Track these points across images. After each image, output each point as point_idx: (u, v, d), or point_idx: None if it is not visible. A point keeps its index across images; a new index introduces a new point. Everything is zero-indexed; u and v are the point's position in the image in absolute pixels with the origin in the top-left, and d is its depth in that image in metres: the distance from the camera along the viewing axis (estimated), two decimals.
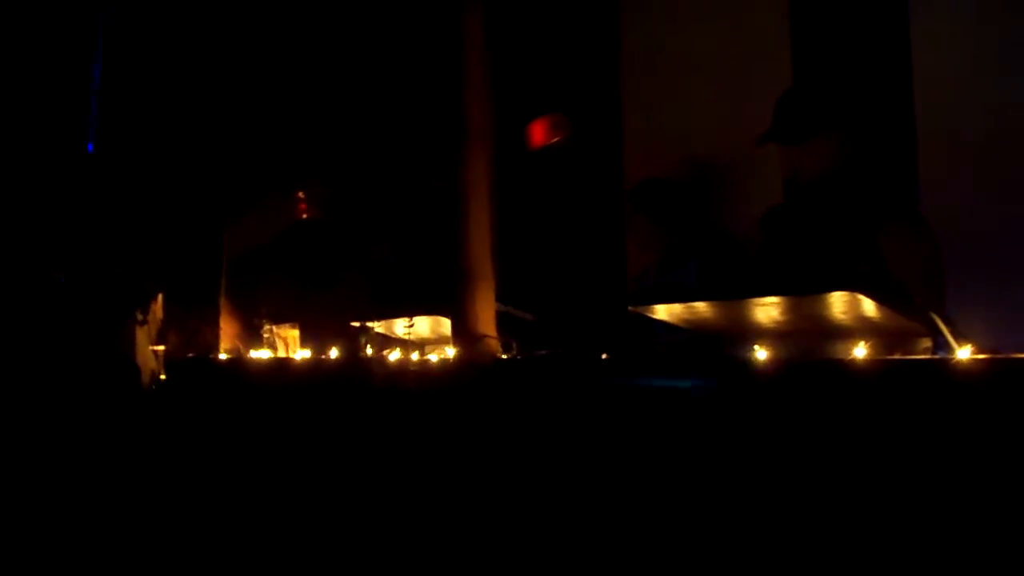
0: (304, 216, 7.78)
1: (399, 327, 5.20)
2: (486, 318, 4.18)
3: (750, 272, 4.68)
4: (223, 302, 7.67)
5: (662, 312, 3.82)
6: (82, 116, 9.00)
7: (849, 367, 2.78)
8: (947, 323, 2.82)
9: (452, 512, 3.99)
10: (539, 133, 7.42)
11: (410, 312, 5.05)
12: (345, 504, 4.71)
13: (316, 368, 5.45)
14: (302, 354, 5.92)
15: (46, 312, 8.92)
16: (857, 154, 4.61)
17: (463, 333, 4.17)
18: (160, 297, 8.65)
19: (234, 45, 7.86)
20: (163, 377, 7.75)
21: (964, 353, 2.54)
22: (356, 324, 5.38)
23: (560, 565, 3.44)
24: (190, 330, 7.90)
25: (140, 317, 8.39)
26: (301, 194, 7.98)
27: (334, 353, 5.43)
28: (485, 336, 4.12)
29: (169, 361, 7.64)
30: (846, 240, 4.32)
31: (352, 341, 5.36)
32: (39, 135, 9.18)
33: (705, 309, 3.70)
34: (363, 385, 4.83)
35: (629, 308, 3.89)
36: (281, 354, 6.19)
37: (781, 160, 4.74)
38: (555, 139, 7.37)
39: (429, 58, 6.16)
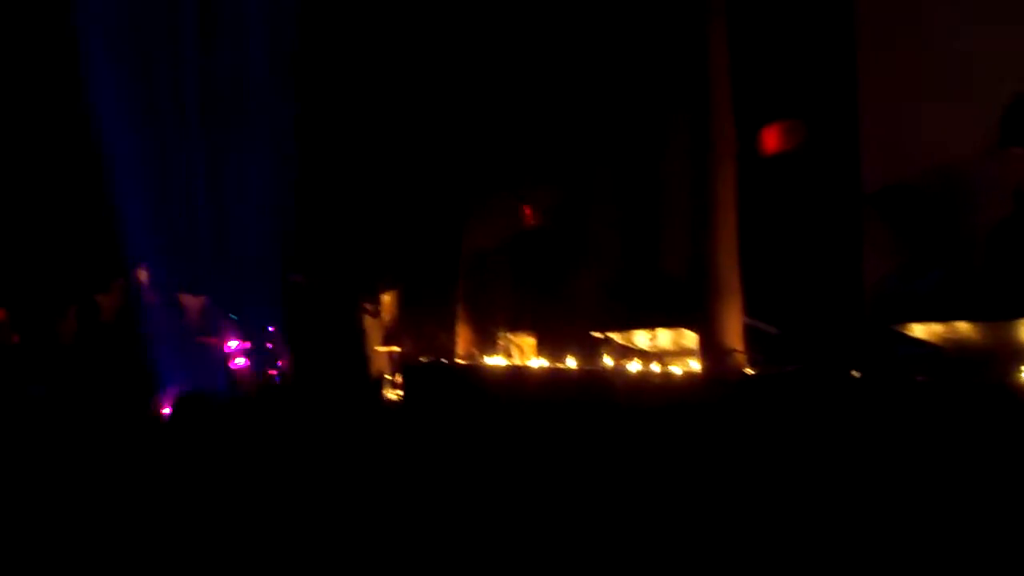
0: (533, 222, 7.84)
1: (640, 338, 5.18)
2: (734, 331, 4.13)
3: (1009, 289, 4.47)
4: (459, 307, 7.79)
5: (919, 331, 3.70)
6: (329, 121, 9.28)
7: None
8: None
9: (680, 526, 3.96)
10: (773, 139, 7.28)
11: (654, 323, 5.02)
12: (579, 515, 4.73)
13: (553, 377, 5.49)
14: (538, 362, 5.98)
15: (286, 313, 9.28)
16: None
17: (711, 346, 4.13)
18: (391, 300, 8.90)
19: (477, 53, 7.96)
20: (396, 378, 7.96)
21: None
22: (597, 335, 5.39)
23: None
24: (425, 334, 8.07)
25: (370, 319, 8.66)
26: (527, 201, 8.04)
27: (571, 362, 5.46)
28: (733, 350, 4.06)
29: (404, 364, 7.82)
30: None
31: (591, 351, 5.38)
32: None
33: (969, 329, 3.56)
34: (603, 396, 4.83)
35: (888, 325, 3.76)
36: (516, 362, 6.27)
37: (1013, 166, 4.51)
38: (790, 145, 7.21)
39: (669, 71, 6.13)
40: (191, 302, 10.29)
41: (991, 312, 3.46)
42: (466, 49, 8.01)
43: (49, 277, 10.49)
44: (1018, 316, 3.25)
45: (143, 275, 10.15)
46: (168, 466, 6.70)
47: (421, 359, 7.63)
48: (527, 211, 8.14)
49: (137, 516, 5.66)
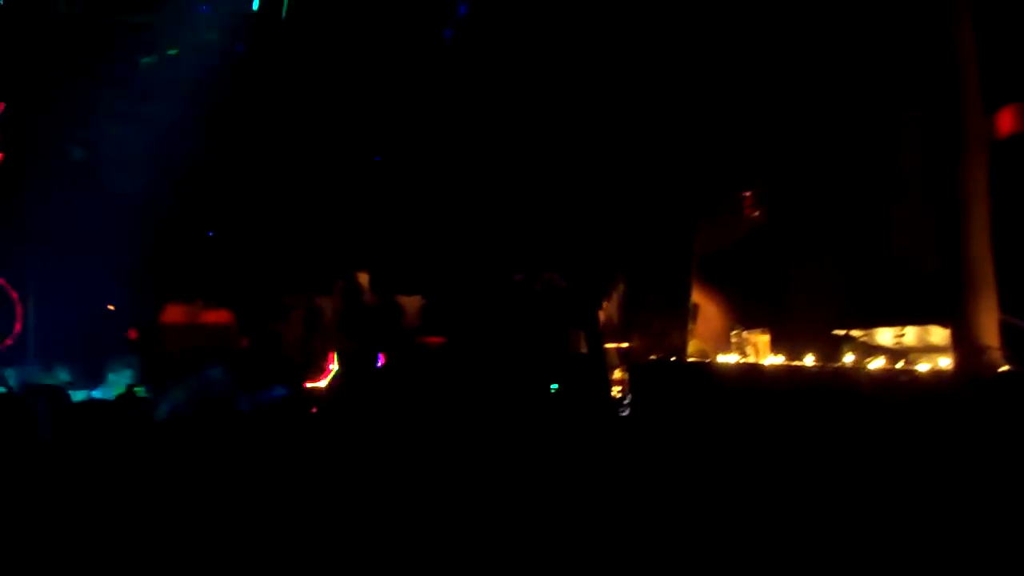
0: (766, 217, 7.70)
1: (884, 335, 5.03)
2: (989, 328, 3.98)
3: None
4: (690, 305, 7.72)
5: None
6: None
7: None
8: None
9: (948, 531, 3.83)
10: (1008, 121, 6.94)
11: (900, 320, 4.88)
12: (821, 518, 4.62)
13: (791, 375, 5.38)
14: (772, 360, 5.88)
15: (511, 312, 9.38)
16: None
17: (964, 343, 3.99)
18: (616, 297, 8.90)
19: (708, 48, 7.87)
20: (621, 375, 7.95)
21: None
22: (838, 332, 5.27)
23: None
24: (655, 331, 8.03)
25: (600, 315, 8.67)
26: (760, 196, 7.90)
27: (809, 360, 5.34)
28: (988, 347, 3.91)
29: (632, 361, 7.80)
30: None
31: (830, 348, 5.26)
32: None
33: None
34: (846, 395, 4.71)
35: None
36: (751, 360, 6.18)
37: None
38: None
39: (904, 59, 5.93)
40: (409, 302, 10.53)
41: None
42: (697, 44, 7.94)
43: (274, 281, 10.87)
44: None
45: (363, 278, 10.45)
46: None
47: (651, 356, 7.59)
48: (759, 206, 8.00)
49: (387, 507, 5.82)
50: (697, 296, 7.94)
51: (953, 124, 3.97)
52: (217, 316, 10.20)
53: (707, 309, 7.82)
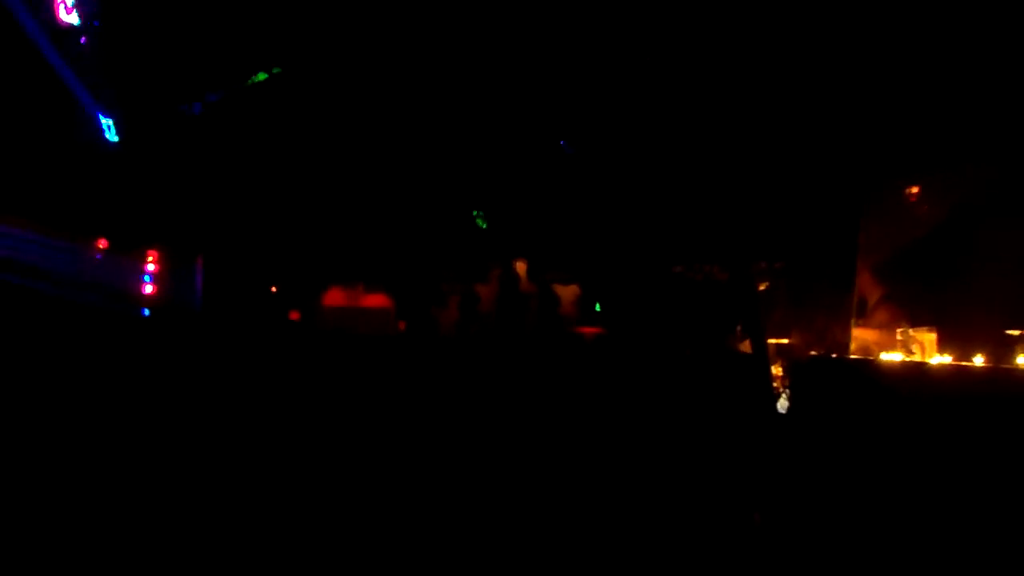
0: (927, 212, 7.45)
1: None
2: None
3: None
4: (858, 302, 7.53)
5: None
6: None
7: None
8: None
9: None
10: None
11: None
12: (996, 524, 4.45)
13: (959, 375, 5.19)
14: (939, 360, 5.67)
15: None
16: None
17: None
18: (778, 291, 8.71)
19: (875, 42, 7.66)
20: (778, 371, 7.79)
21: None
22: (1013, 332, 5.05)
23: None
24: (817, 327, 7.86)
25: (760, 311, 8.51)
26: (924, 191, 7.67)
27: (979, 360, 5.15)
28: None
29: (792, 357, 7.65)
30: None
31: (1002, 349, 5.05)
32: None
33: None
34: (1016, 397, 4.53)
35: None
36: (917, 359, 5.97)
37: None
38: None
39: None
40: (565, 291, 10.52)
41: None
42: (866, 35, 7.72)
43: (433, 267, 10.99)
44: None
45: (521, 266, 10.48)
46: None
47: (812, 353, 7.43)
48: (931, 202, 7.76)
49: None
50: (866, 292, 7.77)
51: None
52: (376, 300, 10.38)
53: (874, 306, 7.64)
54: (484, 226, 11.28)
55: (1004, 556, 4.24)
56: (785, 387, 7.50)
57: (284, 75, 10.58)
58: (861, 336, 7.31)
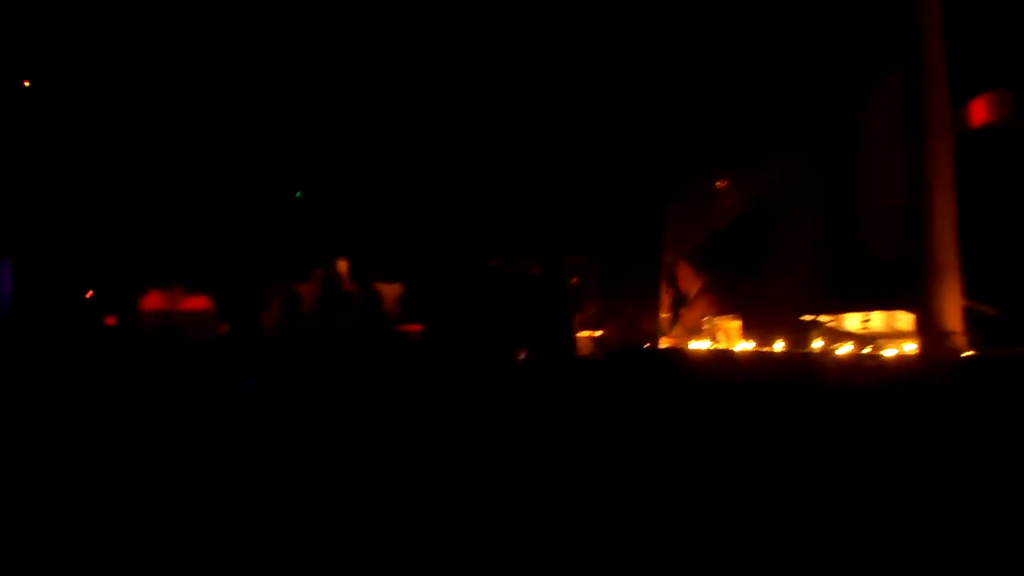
0: (731, 205, 7.78)
1: (851, 321, 5.11)
2: (952, 313, 4.04)
3: None
4: (662, 292, 7.80)
5: None
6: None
7: None
8: None
9: (902, 513, 3.90)
10: (980, 111, 7.03)
11: (866, 306, 4.95)
12: (787, 501, 4.69)
13: (760, 361, 5.45)
14: (743, 346, 5.95)
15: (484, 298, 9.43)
16: None
17: (928, 329, 4.06)
18: (594, 285, 8.96)
19: (676, 33, 7.91)
20: (597, 360, 8.01)
21: None
22: (807, 318, 5.34)
23: None
24: (627, 318, 8.10)
25: (575, 303, 8.74)
26: (731, 183, 7.99)
27: (779, 346, 5.42)
28: (951, 332, 3.98)
29: (606, 349, 7.86)
30: None
31: (799, 334, 5.34)
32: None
33: None
34: (813, 380, 4.78)
35: None
36: (721, 345, 6.25)
37: None
38: (997, 118, 6.96)
39: (875, 47, 6.00)
40: (388, 290, 10.56)
41: None
42: (665, 30, 7.99)
43: (253, 268, 10.88)
44: None
45: (342, 264, 10.48)
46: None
47: (623, 344, 7.67)
48: (725, 194, 8.09)
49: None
50: (687, 284, 8.03)
51: (919, 112, 4.03)
52: (196, 302, 10.24)
53: (695, 297, 7.92)
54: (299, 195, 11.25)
55: (804, 532, 4.49)
56: (602, 376, 7.71)
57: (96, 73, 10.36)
58: (683, 325, 7.59)
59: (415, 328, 10.23)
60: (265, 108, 10.81)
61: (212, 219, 11.09)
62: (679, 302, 7.94)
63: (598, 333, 8.28)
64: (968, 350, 3.96)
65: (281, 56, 10.48)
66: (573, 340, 7.83)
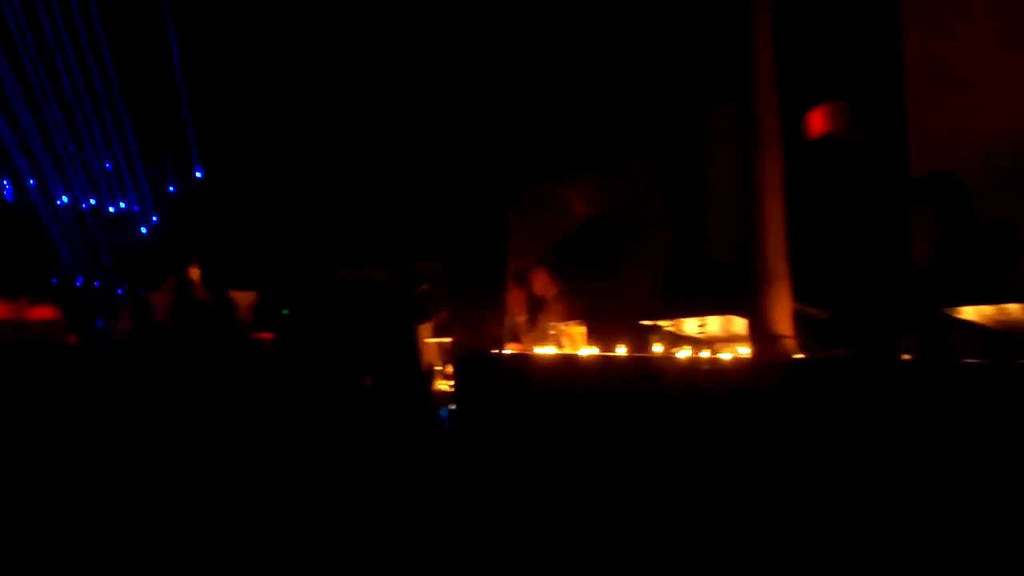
0: (582, 211, 7.89)
1: (690, 326, 5.22)
2: (783, 317, 4.16)
3: None
4: (508, 298, 7.85)
5: (970, 313, 3.71)
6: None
7: None
8: None
9: (740, 514, 4.00)
10: (818, 122, 7.26)
11: (703, 312, 5.06)
12: (625, 502, 4.78)
13: (603, 365, 5.53)
14: (588, 351, 6.02)
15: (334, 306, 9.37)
16: None
17: (760, 332, 4.16)
18: (441, 295, 8.99)
19: (511, 49, 8.01)
20: (446, 369, 8.04)
21: None
22: (646, 323, 5.44)
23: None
24: (475, 324, 8.13)
25: (423, 312, 8.74)
26: (575, 191, 8.09)
27: (621, 351, 5.50)
28: (782, 336, 4.09)
29: (454, 353, 7.89)
30: None
31: (641, 339, 5.43)
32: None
33: (1019, 311, 3.58)
34: (652, 383, 4.88)
35: (939, 309, 3.79)
36: (567, 351, 6.32)
37: None
38: (834, 128, 7.19)
39: (714, 55, 6.15)
40: (242, 297, 10.43)
41: None
42: (502, 36, 8.06)
43: (102, 276, 10.68)
44: None
45: (195, 272, 10.31)
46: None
47: (471, 349, 7.70)
48: (575, 200, 8.19)
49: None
50: (543, 290, 8.09)
51: (750, 122, 4.13)
52: (43, 312, 9.97)
53: (551, 303, 8.00)
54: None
55: (644, 531, 4.57)
56: (449, 382, 7.73)
57: None
58: (536, 331, 7.65)
59: (268, 336, 10.14)
60: (109, 111, 10.58)
61: (57, 229, 10.84)
62: (534, 307, 8.01)
63: (447, 340, 8.30)
64: (798, 353, 4.08)
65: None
66: (418, 349, 7.84)
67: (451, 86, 8.57)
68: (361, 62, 9.34)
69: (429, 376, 8.35)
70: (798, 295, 4.55)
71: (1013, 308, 3.52)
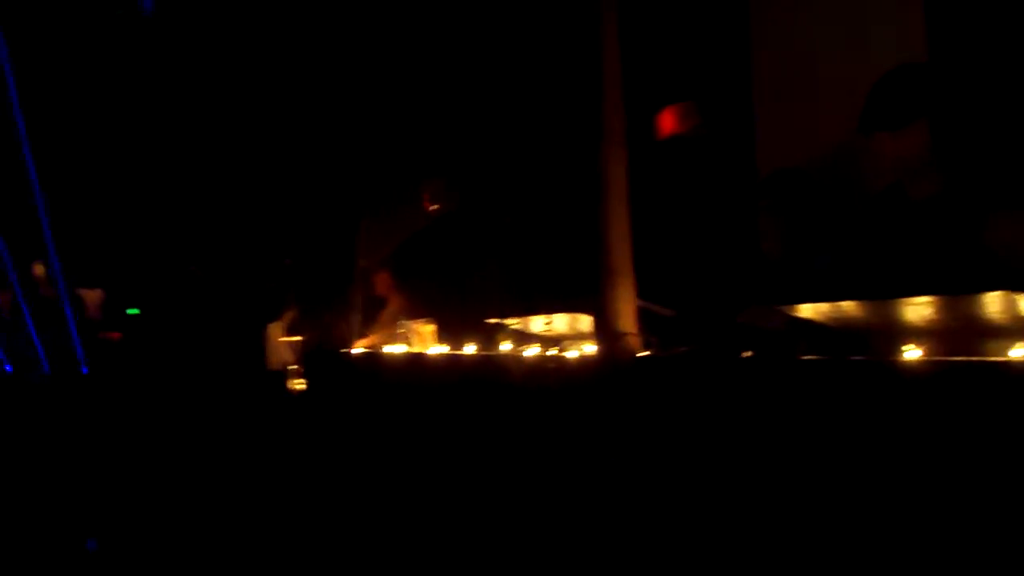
0: (433, 210, 7.86)
1: (537, 324, 5.21)
2: (627, 315, 4.15)
3: (895, 269, 4.55)
4: (358, 296, 7.78)
5: (807, 311, 3.76)
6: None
7: (1007, 368, 2.69)
8: None
9: (585, 510, 4.01)
10: (668, 123, 7.34)
11: (549, 309, 5.06)
12: (474, 500, 4.77)
13: (451, 363, 5.51)
14: (437, 349, 5.98)
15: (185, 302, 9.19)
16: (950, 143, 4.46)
17: (604, 330, 4.16)
18: (291, 293, 8.87)
19: (363, 51, 7.96)
20: (296, 366, 7.92)
21: None
22: (493, 321, 5.42)
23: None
24: (326, 323, 8.05)
25: (273, 311, 8.62)
26: (425, 191, 8.07)
27: (470, 349, 5.47)
28: (626, 333, 4.09)
29: (304, 351, 7.79)
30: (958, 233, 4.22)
31: (488, 337, 5.41)
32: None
33: (853, 308, 3.63)
34: (499, 381, 4.87)
35: (774, 306, 3.83)
36: (416, 349, 6.27)
37: (879, 149, 4.59)
38: (684, 128, 7.28)
39: (564, 55, 6.16)
40: (90, 295, 10.18)
41: (873, 292, 3.55)
42: (350, 37, 8.00)
43: None
44: (897, 296, 3.33)
45: (39, 269, 10.01)
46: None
47: (321, 348, 7.62)
48: (425, 200, 8.16)
49: None
50: (384, 289, 8.06)
51: (595, 122, 4.12)
52: None
53: (392, 301, 7.95)
54: None
55: (493, 523, 4.55)
56: (301, 380, 7.63)
57: None
58: (382, 329, 7.59)
59: (115, 335, 9.92)
60: None
61: None
62: (378, 305, 7.96)
63: (296, 338, 8.19)
64: (642, 350, 4.09)
65: None
66: (264, 347, 7.72)
67: (302, 83, 8.47)
68: (211, 55, 9.16)
69: (282, 375, 8.23)
70: (647, 293, 4.57)
71: (847, 306, 3.57)
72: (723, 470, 3.40)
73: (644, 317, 4.36)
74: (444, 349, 5.78)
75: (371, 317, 7.91)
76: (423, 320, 6.34)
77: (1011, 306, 3.15)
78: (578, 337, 4.98)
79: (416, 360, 5.86)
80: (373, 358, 6.53)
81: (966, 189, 4.35)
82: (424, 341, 6.20)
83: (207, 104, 9.35)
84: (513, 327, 5.38)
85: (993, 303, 3.16)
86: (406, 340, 6.39)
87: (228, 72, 9.21)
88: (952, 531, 2.64)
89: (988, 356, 3.02)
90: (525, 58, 7.63)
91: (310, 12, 8.34)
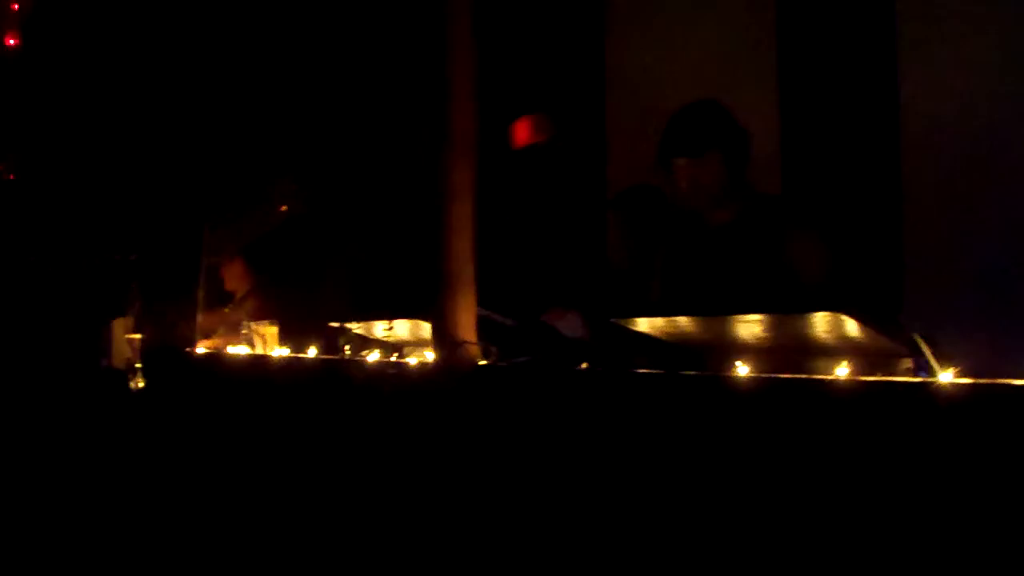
0: (282, 211, 7.80)
1: (378, 329, 5.20)
2: (466, 323, 4.17)
3: (725, 287, 4.65)
4: (201, 296, 7.66)
5: (643, 324, 3.82)
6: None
7: (828, 386, 2.77)
8: (930, 344, 2.80)
9: (421, 514, 4.00)
10: (522, 133, 7.39)
11: (390, 315, 5.04)
12: (313, 502, 4.73)
13: (293, 366, 5.46)
14: (279, 351, 5.91)
15: (22, 296, 8.92)
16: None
17: (443, 338, 4.16)
18: (135, 289, 8.67)
19: (213, 48, 7.86)
20: (138, 365, 7.75)
21: (946, 376, 2.52)
22: (335, 325, 5.39)
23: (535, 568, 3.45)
24: (167, 322, 7.89)
25: (117, 307, 8.40)
26: (274, 193, 8.02)
27: (312, 352, 5.43)
28: (465, 342, 4.11)
29: (145, 350, 7.63)
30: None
31: (331, 341, 5.37)
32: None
33: (687, 324, 3.71)
34: (340, 385, 4.84)
35: (611, 320, 3.89)
36: (259, 351, 6.19)
37: (680, 175, 4.71)
38: (538, 139, 7.34)
39: (413, 61, 6.16)
40: None
41: (707, 308, 3.63)
42: (203, 36, 7.89)
43: None
44: (730, 312, 3.41)
45: None
46: None
47: (163, 346, 7.47)
48: (277, 198, 8.09)
49: None
50: (235, 286, 7.96)
51: (442, 130, 4.13)
52: None
53: (241, 299, 7.86)
54: None
55: (325, 526, 4.51)
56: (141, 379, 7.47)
57: None
58: (226, 328, 7.48)
59: None
60: None
61: None
62: (225, 303, 7.86)
63: (137, 336, 8.00)
64: (481, 359, 4.10)
65: None
66: (105, 344, 7.54)
67: (151, 79, 8.31)
68: (57, 48, 8.93)
69: (126, 373, 8.04)
70: (492, 302, 4.60)
71: (682, 320, 3.64)
72: (557, 479, 3.43)
73: (485, 326, 4.37)
74: (286, 352, 5.71)
75: (218, 311, 7.82)
76: (266, 322, 6.26)
77: (839, 326, 3.25)
78: (419, 343, 4.98)
79: (258, 362, 5.78)
80: (215, 358, 6.42)
81: (759, 215, 4.50)
82: (267, 343, 6.13)
83: (57, 92, 9.09)
84: (355, 331, 5.36)
85: (820, 323, 3.26)
86: (249, 342, 6.30)
87: (82, 62, 8.98)
88: (784, 538, 2.70)
89: (813, 373, 3.12)
90: (377, 60, 7.62)
91: (159, 10, 8.20)
